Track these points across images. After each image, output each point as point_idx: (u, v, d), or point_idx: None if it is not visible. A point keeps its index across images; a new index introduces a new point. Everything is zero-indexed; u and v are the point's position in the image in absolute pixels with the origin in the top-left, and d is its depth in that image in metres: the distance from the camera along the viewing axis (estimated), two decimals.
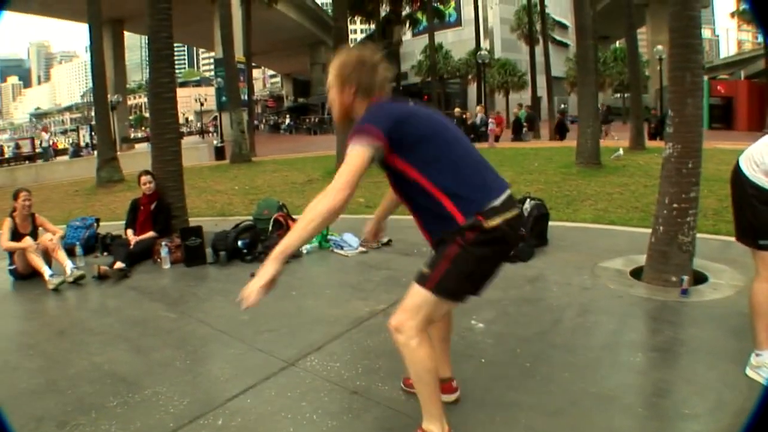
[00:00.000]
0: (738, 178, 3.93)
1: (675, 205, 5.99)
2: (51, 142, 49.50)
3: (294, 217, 8.38)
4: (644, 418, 3.49)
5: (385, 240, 7.76)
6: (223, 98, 41.37)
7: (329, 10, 55.86)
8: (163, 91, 9.15)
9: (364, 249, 7.73)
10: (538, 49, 42.28)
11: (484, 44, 56.26)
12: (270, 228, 8.14)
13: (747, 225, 3.91)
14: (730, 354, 4.25)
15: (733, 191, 4.03)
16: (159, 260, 7.68)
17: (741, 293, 5.47)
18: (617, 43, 70.87)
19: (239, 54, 36.82)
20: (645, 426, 3.41)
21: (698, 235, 6.26)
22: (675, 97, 6.04)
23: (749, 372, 3.91)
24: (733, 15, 52.80)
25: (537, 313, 5.29)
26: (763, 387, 3.67)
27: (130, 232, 8.19)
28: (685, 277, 5.75)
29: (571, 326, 4.97)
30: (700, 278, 6.10)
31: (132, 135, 55.91)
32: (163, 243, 7.73)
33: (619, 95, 67.40)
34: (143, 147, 47.89)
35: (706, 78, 56.30)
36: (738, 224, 4.02)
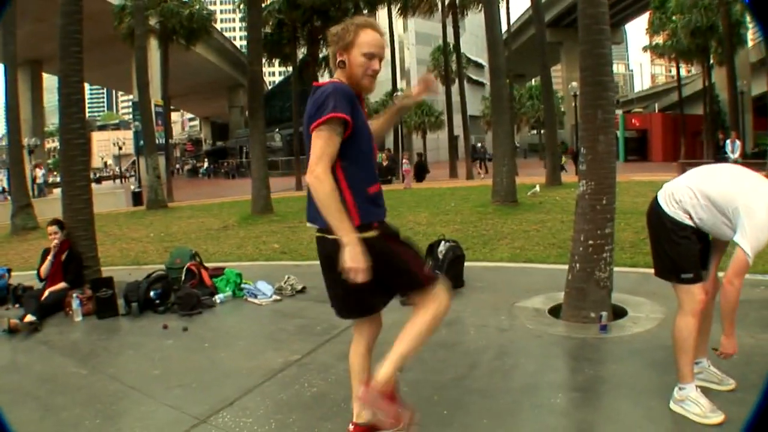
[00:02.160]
0: (656, 213, 4.01)
1: (590, 242, 6.05)
2: None
3: (207, 265, 8.27)
4: None
5: (299, 287, 7.72)
6: (141, 142, 40.88)
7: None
8: (73, 138, 8.91)
9: (278, 297, 7.64)
10: (455, 89, 42.88)
11: (401, 85, 56.81)
12: (182, 277, 7.99)
13: (668, 260, 3.97)
14: (654, 389, 4.30)
15: (650, 227, 4.12)
16: (70, 312, 7.45)
17: (661, 326, 5.60)
18: (533, 80, 72.67)
19: (157, 97, 36.47)
20: None
21: (616, 269, 6.36)
22: (587, 135, 6.15)
23: (673, 406, 3.96)
24: (645, 49, 54.56)
25: (453, 357, 5.25)
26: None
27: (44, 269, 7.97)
28: (604, 313, 5.77)
29: (489, 370, 4.95)
30: (619, 313, 6.15)
31: (50, 179, 54.39)
32: (75, 295, 7.50)
33: (535, 132, 69.02)
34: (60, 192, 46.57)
35: (620, 112, 58.31)
36: (658, 260, 4.08)
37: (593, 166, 6.08)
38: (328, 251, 3.15)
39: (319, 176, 2.99)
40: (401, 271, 3.22)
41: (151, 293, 7.45)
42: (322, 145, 3.03)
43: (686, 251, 3.87)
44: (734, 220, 3.68)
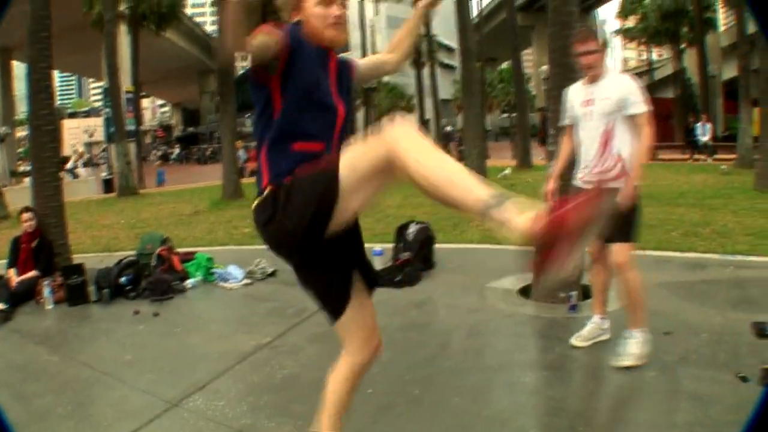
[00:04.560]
0: None
1: None
2: None
3: (177, 250, 8.25)
4: None
5: (270, 271, 7.73)
6: (111, 129, 40.50)
7: None
8: (42, 124, 8.84)
9: (249, 281, 7.66)
10: (426, 72, 42.94)
11: None
12: (153, 263, 7.98)
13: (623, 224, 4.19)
14: (624, 367, 4.37)
15: None
16: (42, 300, 7.41)
17: None
18: (504, 64, 72.83)
19: (128, 83, 36.12)
20: None
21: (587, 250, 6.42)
22: (556, 116, 6.13)
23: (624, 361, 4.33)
24: (617, 33, 54.85)
25: (424, 337, 5.32)
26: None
27: (12, 271, 7.88)
28: (573, 293, 5.84)
29: (460, 349, 5.02)
30: (588, 293, 6.21)
31: (21, 168, 53.78)
32: (46, 282, 7.47)
33: (507, 115, 69.20)
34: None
35: None
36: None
37: None
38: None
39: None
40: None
41: (122, 279, 7.43)
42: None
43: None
44: None
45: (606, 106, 4.49)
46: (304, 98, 2.59)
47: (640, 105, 4.47)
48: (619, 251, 4.40)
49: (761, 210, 11.42)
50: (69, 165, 41.94)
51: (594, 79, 4.60)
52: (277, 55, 2.48)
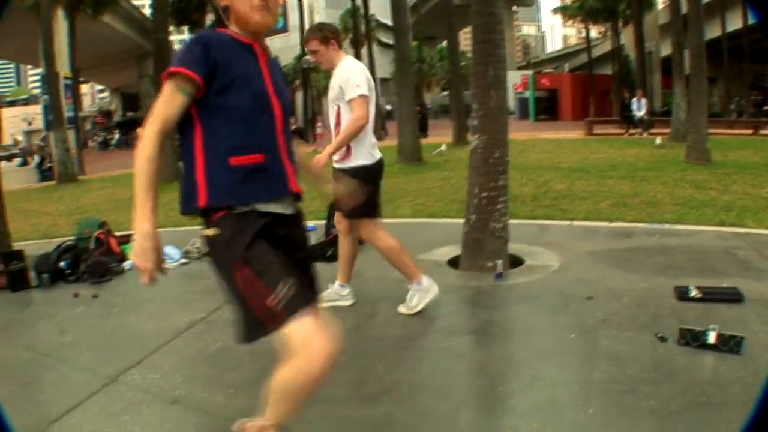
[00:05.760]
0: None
1: (484, 194, 6.30)
2: None
3: (116, 234, 8.29)
4: (459, 401, 3.70)
5: (205, 250, 7.82)
6: (50, 117, 39.75)
7: None
8: None
9: (185, 261, 7.78)
10: (364, 52, 42.91)
11: None
12: (92, 246, 8.01)
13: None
14: (545, 330, 4.63)
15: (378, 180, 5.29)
16: None
17: (557, 272, 6.01)
18: (444, 42, 73.14)
19: (66, 69, 35.48)
20: (459, 409, 3.60)
21: (516, 221, 6.67)
22: (479, 91, 6.37)
23: (401, 309, 5.15)
24: (555, 11, 55.56)
25: (352, 308, 5.47)
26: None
27: None
28: (499, 262, 6.07)
29: (386, 318, 5.17)
30: (516, 262, 6.48)
31: None
32: None
33: (446, 93, 69.62)
34: None
35: (531, 72, 59.17)
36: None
37: (485, 121, 6.32)
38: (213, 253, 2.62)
39: (143, 139, 2.41)
40: (235, 301, 2.52)
41: (62, 263, 7.46)
42: (160, 103, 2.43)
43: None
44: None
45: (332, 94, 5.01)
46: (234, 108, 2.49)
47: (350, 91, 4.86)
48: (365, 227, 5.10)
49: (690, 181, 11.83)
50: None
51: (332, 70, 5.04)
52: (199, 89, 2.45)
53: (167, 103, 2.42)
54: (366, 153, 5.03)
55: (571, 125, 37.48)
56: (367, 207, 4.72)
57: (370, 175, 5.00)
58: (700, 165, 14.65)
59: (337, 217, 5.35)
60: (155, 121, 2.41)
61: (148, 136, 2.39)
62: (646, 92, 32.08)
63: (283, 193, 2.63)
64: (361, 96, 4.82)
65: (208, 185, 2.47)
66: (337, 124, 5.00)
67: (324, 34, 4.97)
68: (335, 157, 5.01)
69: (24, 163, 39.42)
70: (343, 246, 5.44)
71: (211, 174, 2.47)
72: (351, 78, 4.85)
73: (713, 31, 38.46)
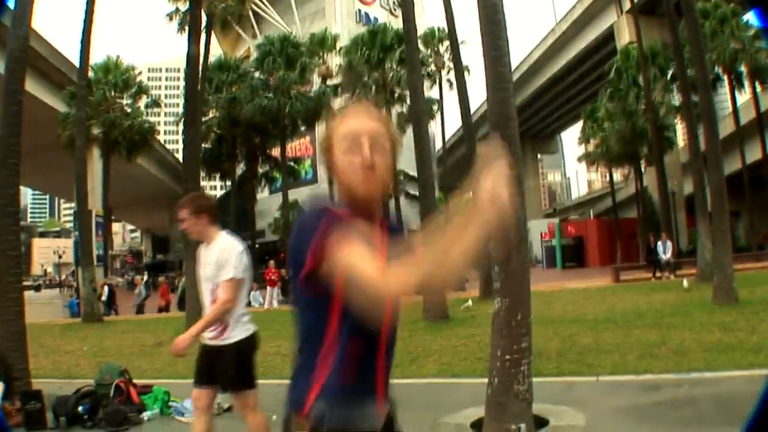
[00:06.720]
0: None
1: (507, 357, 6.10)
2: None
3: (135, 382, 8.24)
4: None
5: (226, 406, 7.67)
6: (80, 253, 40.37)
7: None
8: (7, 249, 8.96)
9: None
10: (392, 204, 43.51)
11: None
12: (111, 393, 7.97)
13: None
14: None
15: None
16: None
17: None
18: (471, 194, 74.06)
19: (98, 207, 36.32)
20: None
21: (541, 379, 6.48)
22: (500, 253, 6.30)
23: None
24: (580, 160, 56.68)
25: None
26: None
27: None
28: (522, 425, 5.83)
29: None
30: (541, 423, 6.23)
31: None
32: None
33: None
34: None
35: (557, 221, 59.58)
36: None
37: (507, 284, 6.26)
38: None
39: (401, 283, 1.83)
40: None
41: (80, 408, 7.43)
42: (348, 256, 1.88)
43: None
44: None
45: (208, 271, 4.90)
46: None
47: (224, 273, 4.78)
48: (244, 398, 4.96)
49: (718, 324, 11.63)
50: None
51: (207, 243, 4.96)
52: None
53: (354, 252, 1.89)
54: (242, 327, 4.93)
55: (599, 271, 37.32)
56: (247, 378, 4.84)
57: (252, 347, 4.95)
58: (728, 305, 14.39)
59: (196, 394, 5.07)
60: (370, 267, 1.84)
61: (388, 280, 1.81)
62: (671, 234, 32.04)
63: None
64: (232, 279, 4.78)
65: (324, 376, 2.13)
66: (213, 301, 4.90)
67: (196, 204, 4.93)
68: (208, 335, 4.90)
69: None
70: (198, 421, 5.07)
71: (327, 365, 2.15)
72: (229, 260, 4.81)
73: (734, 165, 38.81)
